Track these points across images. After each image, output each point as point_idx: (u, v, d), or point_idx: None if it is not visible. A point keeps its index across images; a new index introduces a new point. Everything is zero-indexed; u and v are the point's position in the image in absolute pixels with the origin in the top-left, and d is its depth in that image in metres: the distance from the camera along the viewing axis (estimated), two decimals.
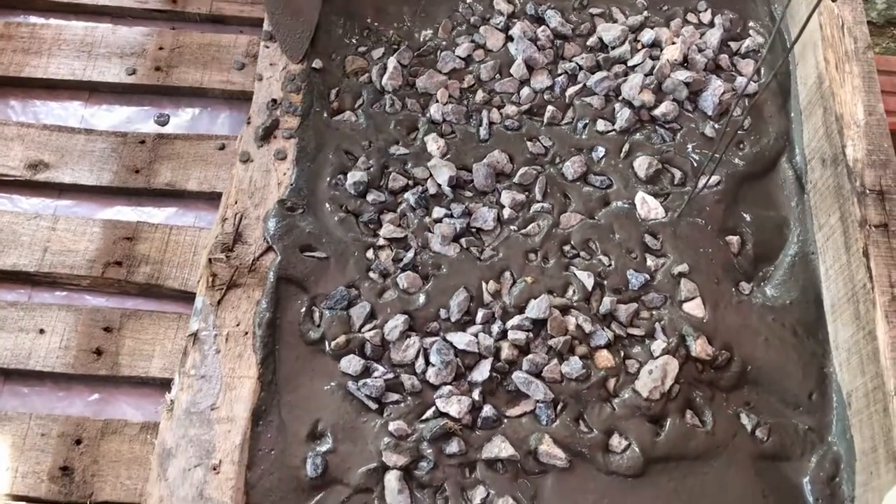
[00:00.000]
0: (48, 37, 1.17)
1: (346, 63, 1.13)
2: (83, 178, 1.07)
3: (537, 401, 0.90)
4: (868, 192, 0.92)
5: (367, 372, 0.92)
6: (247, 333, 0.93)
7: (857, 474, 0.86)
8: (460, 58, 1.13)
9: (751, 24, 1.17)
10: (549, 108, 1.09)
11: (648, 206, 1.02)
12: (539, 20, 1.16)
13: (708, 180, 1.01)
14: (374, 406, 0.90)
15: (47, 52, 1.16)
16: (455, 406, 0.89)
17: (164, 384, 0.95)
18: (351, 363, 0.92)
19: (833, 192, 0.96)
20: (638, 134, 1.08)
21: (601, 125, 1.08)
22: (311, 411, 0.90)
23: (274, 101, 1.08)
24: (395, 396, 0.91)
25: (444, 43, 1.15)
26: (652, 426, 0.89)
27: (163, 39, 1.17)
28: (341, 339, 0.92)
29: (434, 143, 1.06)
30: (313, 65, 1.11)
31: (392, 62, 1.11)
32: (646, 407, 0.90)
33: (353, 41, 1.15)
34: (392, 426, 0.87)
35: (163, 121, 1.14)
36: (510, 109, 1.09)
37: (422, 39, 1.15)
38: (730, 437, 0.90)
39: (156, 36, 1.18)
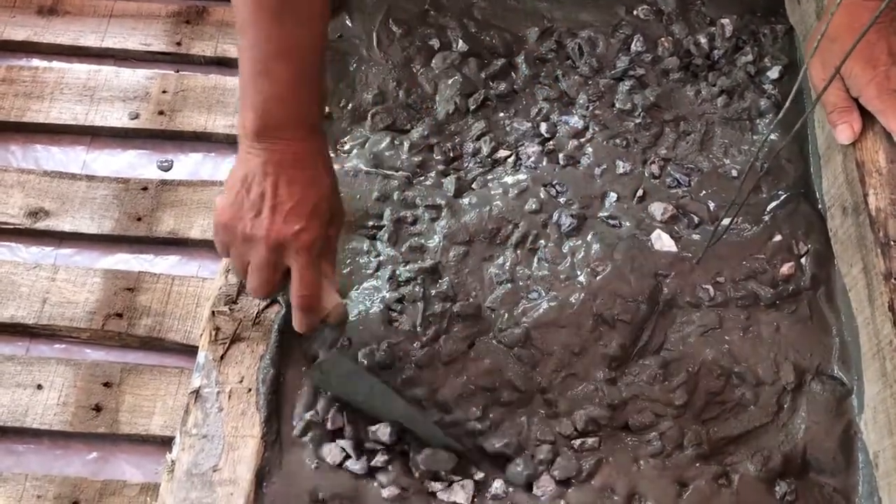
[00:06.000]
0: (50, 80, 1.16)
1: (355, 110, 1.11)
2: (84, 227, 1.05)
3: None
4: (892, 243, 0.88)
5: None
6: (250, 390, 0.90)
7: None
8: None
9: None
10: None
11: (662, 243, 0.99)
12: None
13: (727, 228, 0.98)
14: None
15: (49, 97, 1.15)
16: None
17: (165, 442, 0.92)
18: None
19: (855, 241, 0.93)
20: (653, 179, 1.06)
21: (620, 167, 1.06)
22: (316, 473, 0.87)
23: None
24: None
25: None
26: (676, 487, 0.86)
27: (166, 83, 1.16)
28: None
29: (452, 186, 1.04)
30: None
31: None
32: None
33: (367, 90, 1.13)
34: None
35: (166, 166, 1.12)
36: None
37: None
38: (755, 499, 0.86)
39: (159, 79, 1.16)
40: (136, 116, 1.14)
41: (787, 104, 0.83)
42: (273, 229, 0.76)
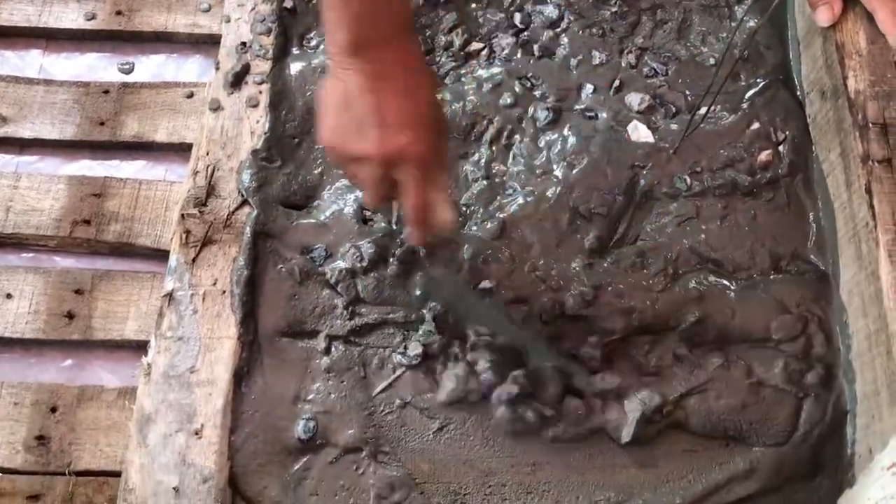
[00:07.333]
0: None
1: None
2: (45, 133, 1.02)
3: None
4: (871, 125, 0.87)
5: None
6: (224, 292, 0.89)
7: (857, 417, 0.84)
8: None
9: None
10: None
11: (639, 134, 0.97)
12: None
13: (704, 117, 0.96)
14: None
15: None
16: None
17: (141, 347, 0.91)
18: None
19: (833, 126, 0.92)
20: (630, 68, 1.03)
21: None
22: (296, 372, 0.87)
23: (243, 44, 1.02)
24: None
25: None
26: None
27: None
28: None
29: None
30: (284, 4, 1.05)
31: None
32: None
33: None
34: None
35: (127, 68, 1.08)
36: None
37: None
38: None
39: None
40: (93, 17, 1.09)
41: None
42: (382, 146, 0.73)
